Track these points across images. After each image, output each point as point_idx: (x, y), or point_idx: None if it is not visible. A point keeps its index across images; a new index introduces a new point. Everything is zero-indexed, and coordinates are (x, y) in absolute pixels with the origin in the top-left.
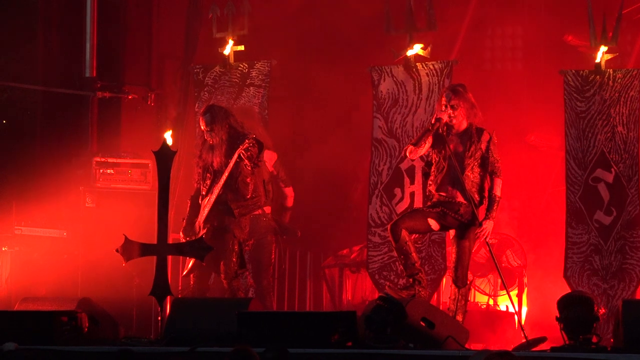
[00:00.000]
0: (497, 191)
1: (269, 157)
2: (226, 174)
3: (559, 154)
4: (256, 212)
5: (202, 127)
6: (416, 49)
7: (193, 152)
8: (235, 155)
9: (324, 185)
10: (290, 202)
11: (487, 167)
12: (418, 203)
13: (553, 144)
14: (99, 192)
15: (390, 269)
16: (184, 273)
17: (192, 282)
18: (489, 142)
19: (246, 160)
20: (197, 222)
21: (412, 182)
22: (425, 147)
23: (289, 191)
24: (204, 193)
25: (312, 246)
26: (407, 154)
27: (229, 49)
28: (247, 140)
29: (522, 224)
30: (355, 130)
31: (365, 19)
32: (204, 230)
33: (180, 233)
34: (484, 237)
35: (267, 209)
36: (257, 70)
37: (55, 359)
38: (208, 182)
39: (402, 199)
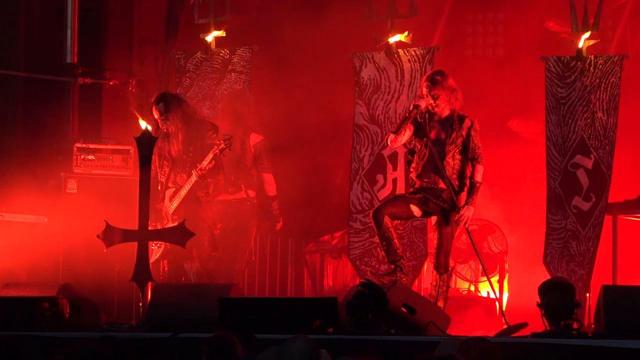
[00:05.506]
0: (478, 177)
1: (253, 139)
2: (200, 172)
3: (539, 140)
4: (240, 196)
5: (155, 116)
6: (398, 37)
7: None
8: (211, 155)
9: (305, 171)
10: (270, 189)
11: (468, 154)
12: (400, 189)
13: (534, 130)
14: (80, 178)
15: (372, 255)
16: (152, 260)
17: (166, 268)
18: (470, 128)
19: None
20: (163, 210)
21: (394, 169)
22: (407, 135)
23: (268, 177)
24: (163, 180)
25: (293, 232)
26: (389, 143)
27: (211, 36)
28: (223, 142)
29: (503, 211)
30: (337, 116)
31: (346, 4)
32: (174, 223)
33: None
34: (463, 222)
35: (252, 193)
36: (239, 57)
37: (36, 344)
38: (167, 169)
39: (384, 185)
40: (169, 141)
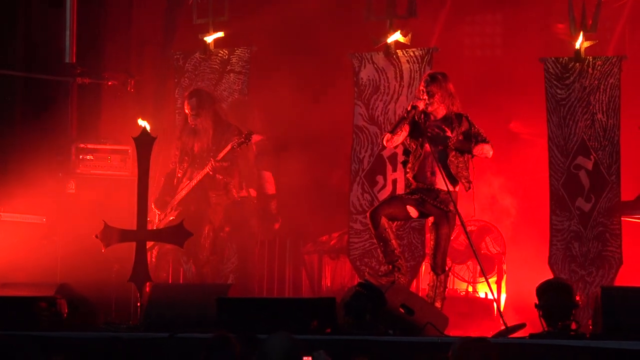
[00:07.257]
0: (483, 144)
1: (254, 138)
2: (215, 164)
3: (538, 141)
4: (243, 194)
5: (186, 110)
6: (396, 37)
7: (172, 138)
8: (228, 147)
9: (303, 171)
10: (269, 187)
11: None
12: (400, 190)
13: (533, 131)
14: (79, 178)
15: (372, 256)
16: (153, 260)
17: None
18: (468, 120)
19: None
20: (170, 202)
21: (394, 170)
22: (403, 135)
23: (268, 175)
24: (179, 175)
25: (291, 232)
26: (385, 143)
27: (212, 37)
28: (243, 135)
29: (501, 211)
30: (335, 116)
31: (345, 4)
32: (176, 212)
33: (152, 205)
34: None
35: (253, 192)
36: (237, 57)
37: (34, 344)
38: (185, 165)
39: (384, 186)
40: (194, 137)
